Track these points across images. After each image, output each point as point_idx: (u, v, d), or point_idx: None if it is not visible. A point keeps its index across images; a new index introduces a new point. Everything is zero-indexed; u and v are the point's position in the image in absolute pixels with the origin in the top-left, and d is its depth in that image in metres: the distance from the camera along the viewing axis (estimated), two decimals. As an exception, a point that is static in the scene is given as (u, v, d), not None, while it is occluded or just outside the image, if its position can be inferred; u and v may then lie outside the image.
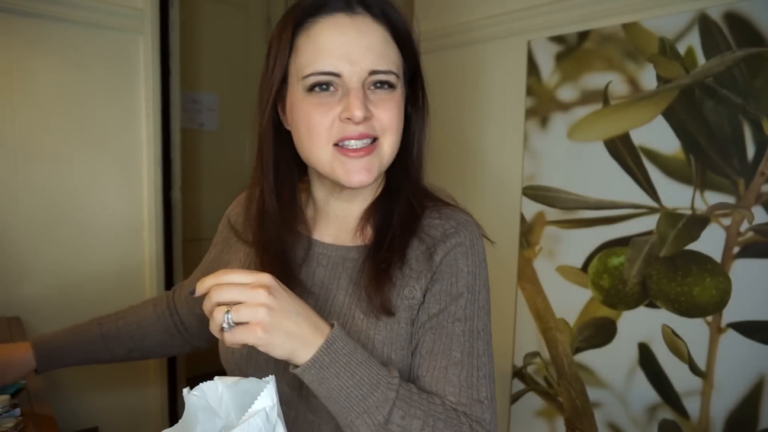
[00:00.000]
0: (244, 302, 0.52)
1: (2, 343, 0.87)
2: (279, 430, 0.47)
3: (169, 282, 1.70)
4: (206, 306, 0.54)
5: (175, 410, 1.67)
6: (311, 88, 0.64)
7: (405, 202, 0.70)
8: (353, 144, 0.64)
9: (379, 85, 0.65)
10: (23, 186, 1.34)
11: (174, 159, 1.79)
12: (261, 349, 0.52)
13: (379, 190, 0.73)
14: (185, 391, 0.48)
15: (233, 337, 0.51)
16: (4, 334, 1.14)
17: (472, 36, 1.57)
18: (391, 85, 0.65)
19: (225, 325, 0.52)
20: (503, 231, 1.49)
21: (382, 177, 0.73)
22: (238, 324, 0.52)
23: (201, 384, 0.48)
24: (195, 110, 2.39)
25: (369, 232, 0.71)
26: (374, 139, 0.65)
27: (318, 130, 0.64)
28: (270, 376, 0.50)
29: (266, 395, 0.47)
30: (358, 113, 0.61)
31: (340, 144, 0.64)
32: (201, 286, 0.54)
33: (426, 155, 0.73)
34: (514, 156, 1.46)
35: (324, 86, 0.63)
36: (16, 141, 1.32)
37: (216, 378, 0.49)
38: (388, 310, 0.65)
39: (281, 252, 0.71)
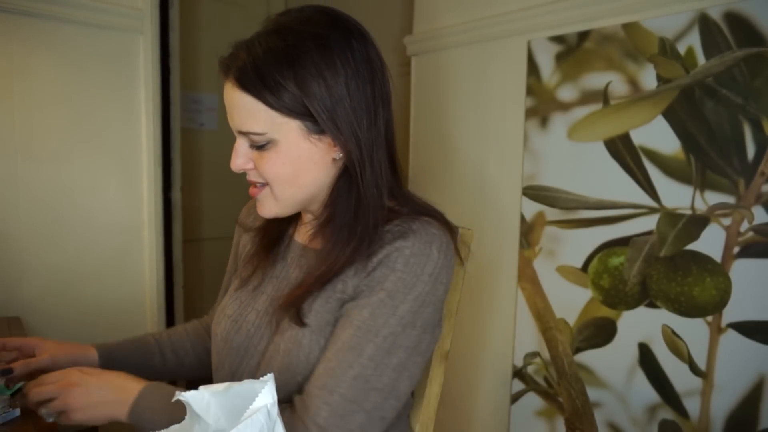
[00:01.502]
0: (56, 397, 0.67)
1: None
2: (278, 428, 0.47)
3: (169, 282, 1.70)
4: (30, 405, 0.69)
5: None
6: None
7: (366, 218, 0.70)
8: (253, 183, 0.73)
9: (253, 145, 0.70)
10: (23, 186, 1.34)
11: (174, 159, 1.80)
12: (86, 423, 0.67)
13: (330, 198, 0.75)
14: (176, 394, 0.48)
15: (61, 422, 0.67)
16: (4, 334, 1.14)
17: (471, 36, 1.57)
18: (262, 145, 0.69)
19: (50, 419, 0.68)
20: (503, 231, 1.49)
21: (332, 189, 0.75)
22: (59, 413, 0.67)
23: (185, 393, 0.48)
24: (195, 110, 2.39)
25: (320, 239, 0.74)
26: (265, 183, 0.72)
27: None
28: (269, 374, 0.50)
29: (267, 392, 0.47)
30: (233, 166, 0.71)
31: None
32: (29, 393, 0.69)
33: (382, 169, 0.72)
34: (514, 156, 1.46)
35: None
36: (16, 141, 1.32)
37: (201, 387, 0.49)
38: (298, 320, 0.69)
39: (267, 245, 0.82)
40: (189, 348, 0.96)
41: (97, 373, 0.69)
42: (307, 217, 0.80)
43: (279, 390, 0.62)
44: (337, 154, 0.71)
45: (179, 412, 0.61)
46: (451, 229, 0.73)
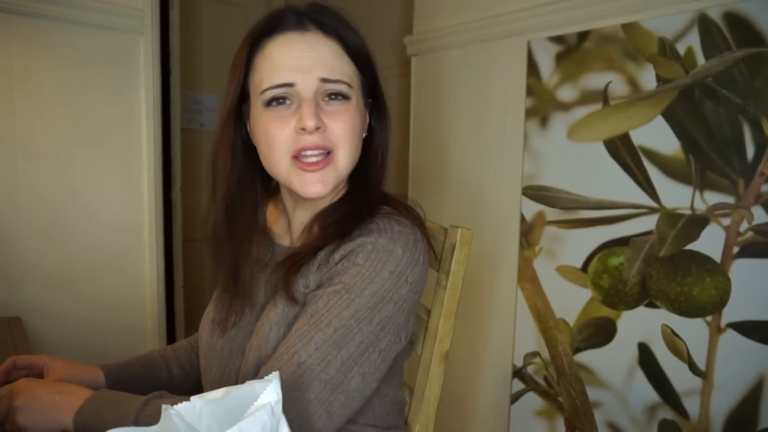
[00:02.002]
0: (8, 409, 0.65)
1: (3, 343, 0.88)
2: (282, 426, 0.47)
3: (169, 282, 1.71)
4: None
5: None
6: (269, 103, 0.68)
7: (355, 209, 0.71)
8: (310, 158, 0.68)
9: (333, 96, 0.68)
10: (23, 186, 1.34)
11: (174, 159, 1.80)
12: (33, 429, 0.63)
13: (337, 197, 0.76)
14: (163, 407, 0.46)
15: (8, 428, 0.65)
16: (4, 334, 1.14)
17: (471, 36, 1.57)
18: (344, 96, 0.68)
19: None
20: (503, 231, 1.49)
21: (344, 184, 0.76)
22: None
23: (176, 406, 0.47)
24: (195, 110, 2.39)
25: (315, 232, 0.73)
26: (329, 152, 0.69)
27: (276, 143, 0.68)
28: (274, 373, 0.50)
29: (271, 390, 0.47)
30: (310, 123, 0.65)
31: (298, 156, 0.68)
32: None
33: (388, 165, 0.77)
34: (514, 156, 1.46)
35: (280, 100, 0.68)
36: (16, 141, 1.32)
37: (192, 398, 0.47)
38: (290, 296, 0.68)
39: (234, 264, 0.76)
40: (195, 361, 0.95)
41: (48, 382, 0.68)
42: (288, 221, 0.79)
43: None
44: (363, 132, 0.74)
45: (128, 410, 0.61)
46: (422, 228, 0.72)
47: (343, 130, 0.68)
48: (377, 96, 0.75)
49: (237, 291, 0.76)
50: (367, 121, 0.76)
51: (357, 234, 0.68)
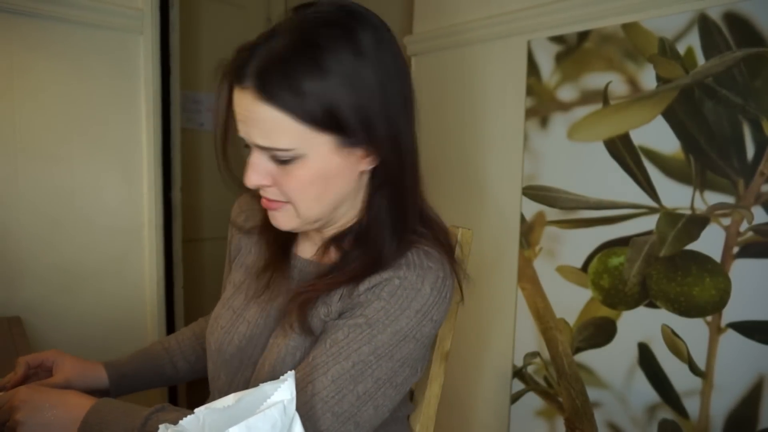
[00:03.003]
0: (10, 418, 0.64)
1: (3, 343, 0.87)
2: (296, 425, 0.46)
3: (169, 282, 1.70)
4: None
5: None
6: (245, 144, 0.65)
7: (377, 246, 0.66)
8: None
9: (276, 158, 0.62)
10: (23, 186, 1.34)
11: (174, 159, 1.80)
12: None
13: (355, 219, 0.71)
14: (161, 428, 0.46)
15: None
16: (4, 334, 1.14)
17: (471, 36, 1.57)
18: (287, 160, 0.61)
19: None
20: (503, 231, 1.49)
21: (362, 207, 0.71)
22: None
23: (181, 421, 0.46)
24: (195, 110, 2.39)
25: (333, 254, 0.71)
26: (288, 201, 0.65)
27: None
28: (289, 372, 0.49)
29: (285, 389, 0.46)
30: (248, 184, 0.63)
31: None
32: None
33: (415, 190, 0.69)
34: (514, 156, 1.46)
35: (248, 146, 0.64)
36: (16, 141, 1.32)
37: (196, 410, 0.47)
38: (304, 330, 0.66)
39: (274, 256, 0.76)
40: (200, 352, 0.94)
41: (47, 391, 0.67)
42: (312, 232, 0.76)
43: None
44: (367, 166, 0.65)
45: (130, 426, 0.60)
46: (452, 260, 0.68)
47: (293, 189, 0.63)
48: (375, 137, 0.62)
49: (279, 269, 0.74)
50: (370, 156, 0.65)
51: (384, 266, 0.65)
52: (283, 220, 0.67)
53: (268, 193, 0.65)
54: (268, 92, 0.58)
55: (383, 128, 0.62)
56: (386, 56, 0.62)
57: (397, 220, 0.67)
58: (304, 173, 0.62)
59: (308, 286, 0.67)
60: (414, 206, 0.68)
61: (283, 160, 0.61)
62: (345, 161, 0.63)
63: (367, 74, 0.59)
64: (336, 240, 0.71)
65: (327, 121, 0.59)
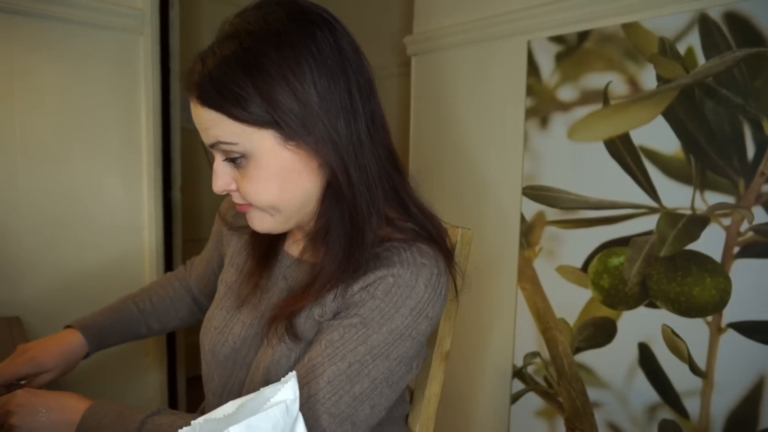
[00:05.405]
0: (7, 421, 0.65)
1: (3, 343, 0.87)
2: (299, 426, 0.46)
3: (169, 282, 1.70)
4: None
5: (174, 407, 1.67)
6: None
7: (361, 227, 0.65)
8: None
9: (229, 156, 0.64)
10: (23, 186, 1.34)
11: (174, 159, 1.80)
12: None
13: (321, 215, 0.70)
14: None
15: None
16: (4, 334, 1.14)
17: (471, 36, 1.57)
18: (237, 160, 0.63)
19: None
20: (503, 231, 1.49)
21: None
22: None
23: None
24: (195, 110, 2.39)
25: (318, 251, 0.70)
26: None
27: None
28: (291, 373, 0.49)
29: (288, 389, 0.46)
30: (215, 188, 0.66)
31: None
32: None
33: (372, 171, 0.66)
34: (514, 156, 1.46)
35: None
36: (16, 141, 1.32)
37: (193, 422, 0.46)
38: (294, 337, 0.67)
39: (261, 258, 0.78)
40: (173, 314, 0.99)
41: (43, 394, 0.67)
42: (296, 230, 0.76)
43: None
44: (321, 160, 0.65)
45: (126, 429, 0.61)
46: (446, 255, 0.68)
47: (252, 195, 0.64)
48: (314, 132, 0.62)
49: (263, 273, 0.77)
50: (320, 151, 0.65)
51: (377, 264, 0.64)
52: (256, 221, 0.69)
53: (235, 198, 0.68)
54: (204, 98, 0.61)
55: (320, 126, 0.62)
56: (325, 50, 0.62)
57: (351, 220, 0.65)
58: (258, 173, 0.63)
59: (295, 296, 0.68)
60: (374, 204, 0.65)
61: (235, 159, 0.64)
62: (296, 156, 0.63)
63: (301, 70, 0.60)
64: (314, 239, 0.70)
65: (262, 118, 0.61)
